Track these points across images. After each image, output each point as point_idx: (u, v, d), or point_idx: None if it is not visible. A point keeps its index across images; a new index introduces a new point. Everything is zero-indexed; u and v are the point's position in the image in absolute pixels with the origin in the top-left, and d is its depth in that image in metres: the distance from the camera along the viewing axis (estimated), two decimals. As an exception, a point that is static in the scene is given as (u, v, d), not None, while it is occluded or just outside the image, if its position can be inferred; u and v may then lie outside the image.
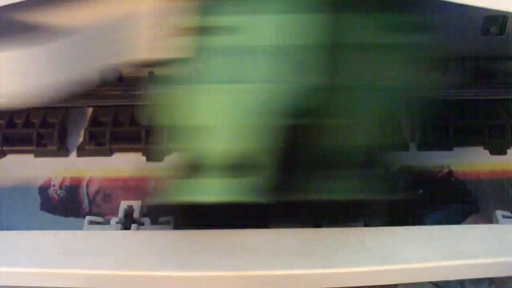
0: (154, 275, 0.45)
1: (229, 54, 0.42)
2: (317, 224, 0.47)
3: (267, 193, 0.43)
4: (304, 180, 0.44)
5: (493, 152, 0.55)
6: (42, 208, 0.55)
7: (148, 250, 0.46)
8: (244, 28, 0.42)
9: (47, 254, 0.46)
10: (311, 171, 0.44)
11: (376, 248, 0.45)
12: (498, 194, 0.52)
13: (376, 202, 0.45)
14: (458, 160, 0.54)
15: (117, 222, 0.50)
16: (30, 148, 0.57)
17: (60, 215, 0.54)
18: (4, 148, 0.57)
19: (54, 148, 0.57)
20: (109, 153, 0.57)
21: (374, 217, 0.47)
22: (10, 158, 0.57)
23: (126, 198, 0.52)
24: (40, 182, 0.56)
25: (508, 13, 0.45)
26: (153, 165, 0.56)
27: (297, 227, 0.46)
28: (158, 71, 0.56)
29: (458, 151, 0.55)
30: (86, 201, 0.55)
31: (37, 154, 0.58)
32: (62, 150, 0.57)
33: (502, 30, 0.55)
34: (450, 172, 0.54)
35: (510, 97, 0.55)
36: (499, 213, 0.48)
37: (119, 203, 0.51)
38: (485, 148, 0.55)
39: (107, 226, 0.50)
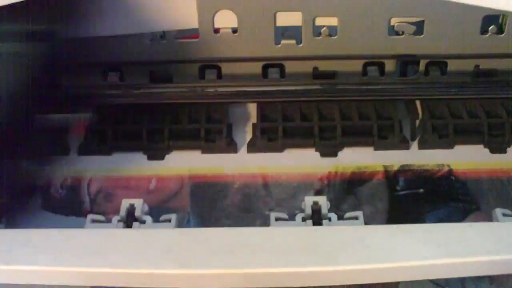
0: (156, 273, 0.45)
1: None
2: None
3: None
4: None
5: (493, 150, 0.55)
6: (43, 207, 0.55)
7: (149, 248, 0.46)
8: None
9: (49, 252, 0.46)
10: None
11: (377, 246, 0.45)
12: (498, 192, 0.53)
13: None
14: (458, 158, 0.54)
15: (118, 221, 0.50)
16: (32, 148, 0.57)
17: (61, 214, 0.54)
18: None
19: (56, 148, 0.57)
20: (111, 151, 0.57)
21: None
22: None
23: (127, 197, 0.52)
24: (41, 183, 0.56)
25: (507, 12, 0.45)
26: (154, 163, 0.56)
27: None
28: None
29: (458, 149, 0.55)
30: (87, 200, 0.55)
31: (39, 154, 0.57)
32: (63, 149, 0.57)
33: (501, 29, 0.55)
34: (450, 171, 0.54)
35: (510, 96, 0.55)
36: (499, 211, 0.48)
37: (120, 202, 0.51)
38: (485, 147, 0.55)
39: (109, 224, 0.50)
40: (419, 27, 0.56)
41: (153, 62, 0.58)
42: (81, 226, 0.49)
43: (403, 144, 0.55)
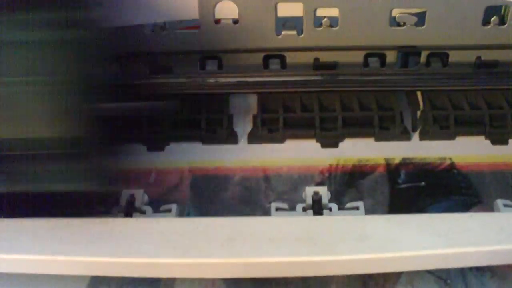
0: (156, 262, 0.45)
1: None
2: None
3: None
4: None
5: (494, 142, 0.55)
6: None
7: (149, 237, 0.46)
8: None
9: (49, 242, 0.46)
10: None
11: (378, 236, 0.45)
12: (500, 184, 0.52)
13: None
14: (460, 150, 0.54)
15: (118, 211, 0.50)
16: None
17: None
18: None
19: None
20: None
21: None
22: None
23: (127, 188, 0.52)
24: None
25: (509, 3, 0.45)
26: (154, 155, 0.56)
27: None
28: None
29: (459, 141, 0.55)
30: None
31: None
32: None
33: (503, 20, 0.55)
34: (452, 164, 0.54)
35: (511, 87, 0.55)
36: (500, 202, 0.48)
37: (120, 194, 0.51)
38: (486, 138, 0.55)
39: (108, 215, 0.49)
40: (421, 18, 0.55)
41: (153, 53, 0.58)
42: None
43: (404, 135, 0.55)
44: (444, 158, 0.54)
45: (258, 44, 0.57)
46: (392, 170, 0.54)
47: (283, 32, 0.57)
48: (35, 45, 0.42)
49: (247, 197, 0.53)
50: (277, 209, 0.49)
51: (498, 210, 0.48)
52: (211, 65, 0.59)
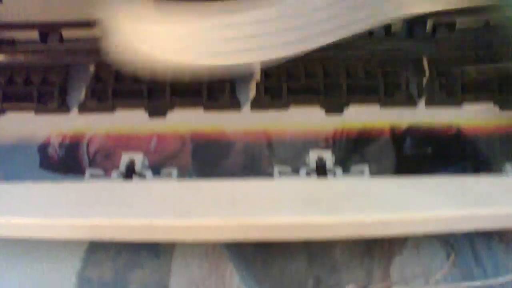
0: (156, 224, 0.44)
1: None
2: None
3: None
4: None
5: (503, 108, 0.53)
6: (41, 166, 0.54)
7: (150, 199, 0.45)
8: None
9: (45, 205, 0.45)
10: None
11: (385, 197, 0.44)
12: (509, 150, 0.51)
13: None
14: (467, 116, 0.53)
15: (118, 175, 0.49)
16: (30, 105, 0.56)
17: (60, 173, 0.53)
18: (4, 105, 0.56)
19: (55, 105, 0.56)
20: (111, 109, 0.55)
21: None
22: (10, 116, 0.56)
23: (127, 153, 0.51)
24: (40, 141, 0.55)
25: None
26: (156, 121, 0.55)
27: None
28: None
29: (467, 107, 0.54)
30: (86, 159, 0.54)
31: (38, 112, 0.56)
32: (63, 107, 0.56)
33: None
34: (459, 130, 0.53)
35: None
36: (509, 165, 0.47)
37: (120, 161, 0.50)
38: (494, 104, 0.54)
39: (108, 178, 0.49)
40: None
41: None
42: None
43: (410, 102, 0.54)
44: (451, 125, 0.53)
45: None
46: (398, 137, 0.53)
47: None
48: None
49: (250, 163, 0.52)
50: (280, 173, 0.48)
51: (507, 174, 0.46)
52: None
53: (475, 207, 0.43)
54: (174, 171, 0.49)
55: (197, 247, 0.48)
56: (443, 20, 0.56)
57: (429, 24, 0.57)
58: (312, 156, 0.48)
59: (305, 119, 0.54)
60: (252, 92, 0.56)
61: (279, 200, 0.44)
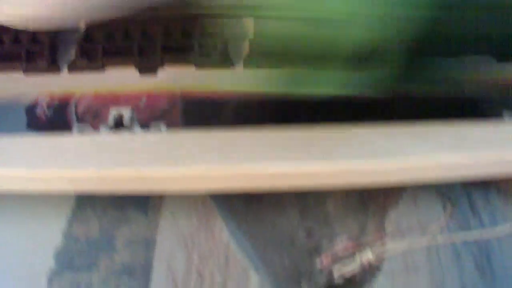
0: (144, 173, 0.43)
1: None
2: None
3: (390, 86, 0.42)
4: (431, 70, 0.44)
5: (500, 59, 0.52)
6: (28, 127, 0.53)
7: (138, 150, 0.44)
8: None
9: (31, 157, 0.44)
10: (438, 62, 0.44)
11: (379, 143, 0.43)
12: (506, 102, 0.50)
13: None
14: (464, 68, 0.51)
15: (106, 129, 0.48)
16: (19, 65, 0.55)
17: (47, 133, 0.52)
18: (-9, 65, 0.55)
19: (44, 65, 0.55)
20: (101, 68, 0.54)
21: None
22: (-2, 76, 0.55)
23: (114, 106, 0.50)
24: (27, 102, 0.54)
25: None
26: (147, 79, 0.54)
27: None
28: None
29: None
30: (74, 119, 0.52)
31: (27, 72, 0.55)
32: (53, 66, 0.55)
33: None
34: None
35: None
36: (506, 113, 0.46)
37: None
38: (492, 56, 0.52)
39: (95, 131, 0.47)
40: None
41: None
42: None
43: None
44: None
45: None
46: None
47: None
48: None
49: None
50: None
51: (505, 120, 0.45)
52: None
53: (471, 152, 0.41)
54: (163, 126, 0.48)
55: (186, 203, 0.47)
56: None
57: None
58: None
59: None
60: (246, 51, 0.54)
61: (268, 149, 0.42)
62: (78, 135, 0.46)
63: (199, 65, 0.54)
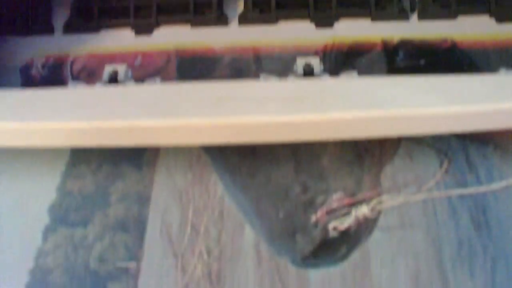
0: (139, 125, 0.42)
1: None
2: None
3: None
4: None
5: (499, 20, 0.51)
6: (23, 87, 0.52)
7: (134, 102, 0.44)
8: None
9: (30, 109, 0.44)
10: None
11: (375, 95, 0.42)
12: (504, 62, 0.49)
13: None
14: (462, 30, 0.51)
15: (101, 84, 0.47)
16: (13, 27, 0.55)
17: (43, 92, 0.51)
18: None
19: (39, 26, 0.55)
20: (97, 29, 0.54)
21: None
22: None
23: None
24: (22, 62, 0.53)
25: None
26: (142, 39, 0.54)
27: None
28: None
29: (461, 20, 0.52)
30: (69, 77, 0.52)
31: (21, 33, 0.55)
32: (47, 27, 0.55)
33: None
34: (454, 44, 0.51)
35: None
36: (503, 69, 0.45)
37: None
38: (491, 16, 0.52)
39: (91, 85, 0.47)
40: None
41: None
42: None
43: (402, 15, 0.52)
44: (446, 38, 0.51)
45: None
46: (390, 50, 0.51)
47: None
48: None
49: (236, 77, 0.50)
50: (266, 79, 0.46)
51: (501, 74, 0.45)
52: None
53: (468, 103, 0.41)
54: (158, 80, 0.47)
55: (180, 158, 0.47)
56: None
57: None
58: (300, 62, 0.47)
59: (295, 33, 0.52)
60: (240, 7, 0.54)
61: (265, 100, 0.42)
62: (73, 88, 0.46)
63: (195, 23, 0.53)
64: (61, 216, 0.45)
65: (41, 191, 0.46)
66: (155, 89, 0.44)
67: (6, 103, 0.45)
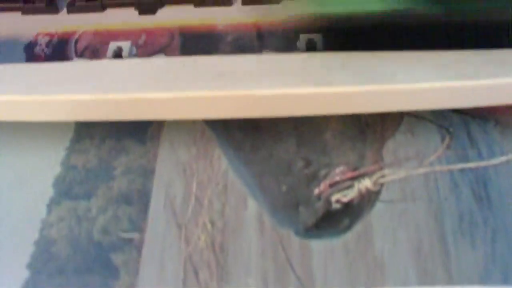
0: (141, 98, 0.42)
1: None
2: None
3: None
4: None
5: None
6: (27, 66, 0.53)
7: (137, 75, 0.44)
8: None
9: (34, 83, 0.44)
10: None
11: (377, 69, 0.42)
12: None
13: None
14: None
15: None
16: (17, 5, 0.55)
17: (47, 71, 0.52)
18: (-12, 5, 0.55)
19: (42, 4, 0.55)
20: (101, 8, 0.54)
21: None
22: (-4, 16, 0.55)
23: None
24: (26, 40, 0.54)
25: None
26: (146, 18, 0.54)
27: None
28: None
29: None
30: (73, 55, 0.52)
31: (25, 12, 0.55)
32: (51, 6, 0.55)
33: None
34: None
35: None
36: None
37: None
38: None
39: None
40: None
41: None
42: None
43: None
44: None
45: None
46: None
47: None
48: None
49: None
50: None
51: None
52: None
53: (469, 79, 0.41)
54: (162, 56, 0.48)
55: (184, 132, 0.47)
56: None
57: None
58: (302, 39, 0.47)
59: (296, 11, 0.52)
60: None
61: (269, 73, 0.42)
62: (77, 62, 0.46)
63: (198, 3, 0.54)
64: (65, 189, 0.45)
65: (46, 166, 0.47)
66: (158, 63, 0.45)
67: (10, 77, 0.45)
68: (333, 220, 0.42)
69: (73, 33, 0.54)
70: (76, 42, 0.53)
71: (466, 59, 0.43)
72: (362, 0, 0.51)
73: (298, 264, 0.41)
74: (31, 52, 0.53)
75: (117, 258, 0.42)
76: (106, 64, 0.45)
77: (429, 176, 0.44)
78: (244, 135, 0.46)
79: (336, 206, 0.43)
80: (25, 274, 0.41)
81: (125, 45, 0.48)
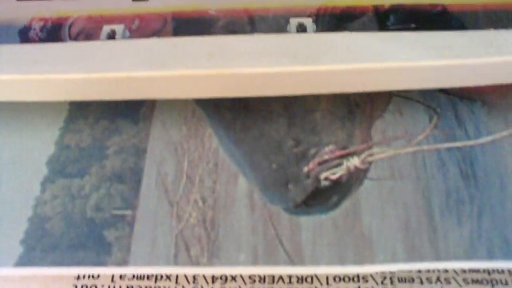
0: (133, 76, 0.43)
1: None
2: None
3: None
4: None
5: (487, -17, 0.53)
6: (23, 50, 0.53)
7: (129, 56, 0.45)
8: None
9: (26, 62, 0.45)
10: None
11: (365, 49, 0.43)
12: (495, 26, 0.50)
13: None
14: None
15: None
16: (12, -10, 0.56)
17: (42, 57, 0.52)
18: (-16, -9, 0.55)
19: (38, -10, 0.55)
20: (94, -7, 0.55)
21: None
22: (-10, 3, 0.56)
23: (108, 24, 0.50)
24: (20, 25, 0.54)
25: None
26: (139, 3, 0.55)
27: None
28: None
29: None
30: (67, 40, 0.53)
31: (20, -3, 0.56)
32: (46, -9, 0.56)
33: None
34: (444, 7, 0.52)
35: None
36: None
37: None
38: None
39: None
40: None
41: None
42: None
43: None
44: (436, 4, 0.52)
45: None
46: (381, 14, 0.52)
47: None
48: None
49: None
50: (260, 36, 0.47)
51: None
52: None
53: (457, 58, 0.42)
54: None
55: (176, 113, 0.48)
56: None
57: None
58: (293, 23, 0.48)
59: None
60: (235, -27, 0.55)
61: (258, 53, 0.43)
62: (71, 43, 0.47)
63: (191, -11, 0.54)
64: (59, 168, 0.46)
65: (40, 145, 0.47)
66: (150, 43, 0.45)
67: (3, 57, 0.46)
68: (321, 197, 0.43)
69: (67, 18, 0.55)
70: (70, 26, 0.54)
71: (453, 39, 0.43)
72: None
73: (287, 240, 0.41)
74: (26, 37, 0.54)
75: (109, 235, 0.42)
76: (99, 45, 0.45)
77: (417, 155, 0.45)
78: (235, 115, 0.47)
79: (324, 183, 0.43)
80: (19, 250, 0.42)
81: (119, 28, 0.49)
